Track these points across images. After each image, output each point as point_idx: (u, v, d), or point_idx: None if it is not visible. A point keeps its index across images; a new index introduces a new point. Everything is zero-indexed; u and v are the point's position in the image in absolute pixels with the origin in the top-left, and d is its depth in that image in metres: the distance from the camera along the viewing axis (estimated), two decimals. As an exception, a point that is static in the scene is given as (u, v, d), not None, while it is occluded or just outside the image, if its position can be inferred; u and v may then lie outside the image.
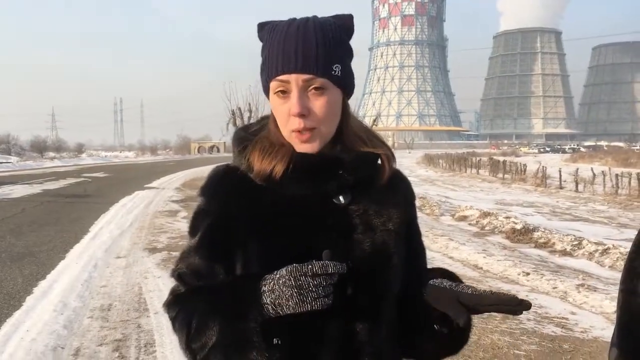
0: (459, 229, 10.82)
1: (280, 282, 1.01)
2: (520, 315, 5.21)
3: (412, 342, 1.22)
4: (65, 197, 17.15)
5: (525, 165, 27.47)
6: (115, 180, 25.46)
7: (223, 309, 1.05)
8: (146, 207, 14.29)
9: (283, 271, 1.02)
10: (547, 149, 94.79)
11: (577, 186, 19.62)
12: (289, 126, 1.11)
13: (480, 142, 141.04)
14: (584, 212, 13.85)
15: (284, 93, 1.09)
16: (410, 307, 1.19)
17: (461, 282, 1.19)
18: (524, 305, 1.05)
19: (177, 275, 1.16)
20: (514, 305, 1.05)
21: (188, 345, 1.08)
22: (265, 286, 1.03)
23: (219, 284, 1.10)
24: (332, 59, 1.10)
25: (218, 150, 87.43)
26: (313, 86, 1.09)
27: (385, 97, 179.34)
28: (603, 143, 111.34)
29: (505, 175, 26.63)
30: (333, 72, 1.10)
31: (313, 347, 1.09)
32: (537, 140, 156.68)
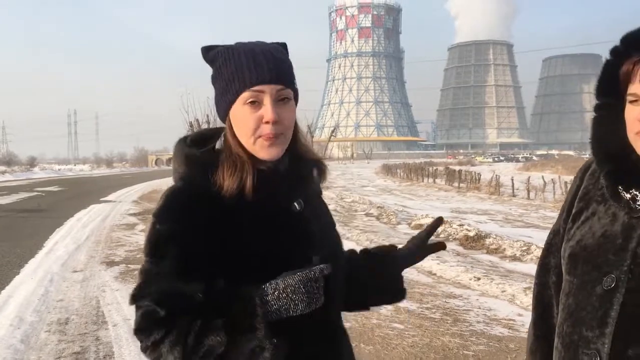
0: (414, 237, 11.04)
1: (289, 290, 1.10)
2: (470, 318, 5.42)
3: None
4: (18, 212, 16.76)
5: (479, 174, 28.25)
6: (70, 194, 24.96)
7: (226, 324, 1.06)
8: (103, 220, 14.11)
9: (289, 280, 1.10)
10: (501, 158, 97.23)
11: (528, 194, 20.31)
12: (258, 133, 1.19)
13: (437, 152, 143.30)
14: (535, 219, 14.35)
15: (254, 103, 1.18)
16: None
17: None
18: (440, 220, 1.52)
19: (154, 299, 1.10)
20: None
21: None
22: (268, 296, 1.09)
23: (209, 302, 1.09)
24: (293, 74, 1.27)
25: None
26: (283, 96, 1.22)
27: (343, 108, 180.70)
28: (554, 152, 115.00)
29: (461, 184, 27.23)
30: (295, 86, 1.27)
31: (306, 338, 1.21)
32: (491, 149, 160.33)
